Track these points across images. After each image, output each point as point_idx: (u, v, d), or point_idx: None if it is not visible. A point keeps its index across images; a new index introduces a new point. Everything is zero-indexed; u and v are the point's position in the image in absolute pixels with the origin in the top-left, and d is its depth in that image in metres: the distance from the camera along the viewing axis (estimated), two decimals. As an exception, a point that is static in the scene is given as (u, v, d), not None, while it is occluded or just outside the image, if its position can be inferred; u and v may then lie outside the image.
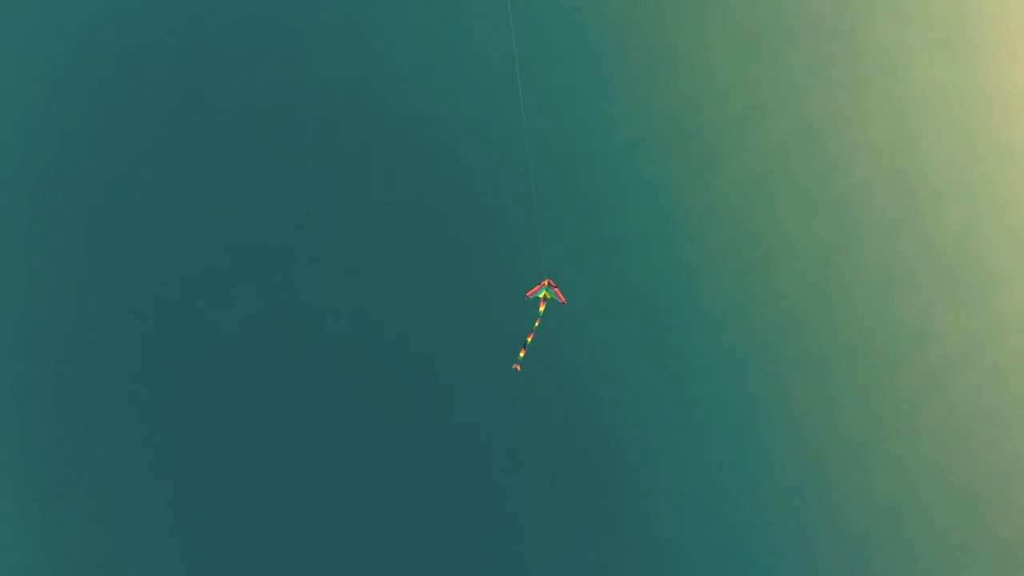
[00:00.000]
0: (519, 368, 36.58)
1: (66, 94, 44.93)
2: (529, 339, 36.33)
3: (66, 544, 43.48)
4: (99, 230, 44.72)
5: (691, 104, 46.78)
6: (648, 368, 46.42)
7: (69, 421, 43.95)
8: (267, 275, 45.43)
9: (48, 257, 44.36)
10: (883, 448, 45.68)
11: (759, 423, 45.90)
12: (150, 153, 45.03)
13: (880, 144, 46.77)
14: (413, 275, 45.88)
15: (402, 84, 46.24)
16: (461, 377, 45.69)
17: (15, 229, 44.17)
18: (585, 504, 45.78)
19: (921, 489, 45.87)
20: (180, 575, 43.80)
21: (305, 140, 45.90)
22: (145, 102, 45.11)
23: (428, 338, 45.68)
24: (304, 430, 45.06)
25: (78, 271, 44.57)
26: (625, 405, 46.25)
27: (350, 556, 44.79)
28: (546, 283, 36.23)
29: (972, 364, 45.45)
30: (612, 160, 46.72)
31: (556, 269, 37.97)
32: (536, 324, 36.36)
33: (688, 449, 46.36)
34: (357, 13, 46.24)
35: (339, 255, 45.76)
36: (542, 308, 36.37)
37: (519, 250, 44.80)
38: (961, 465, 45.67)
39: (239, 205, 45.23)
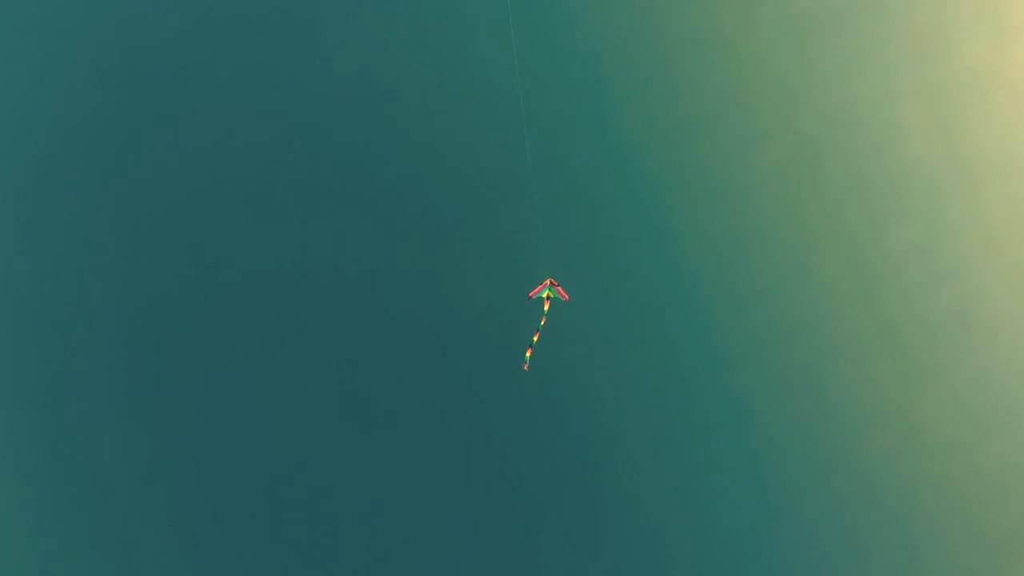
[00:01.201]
0: (527, 367, 37.02)
1: (67, 92, 45.47)
2: (535, 338, 36.89)
3: (66, 544, 43.74)
4: (99, 230, 45.54)
5: (728, 88, 46.58)
6: (640, 367, 46.75)
7: (69, 421, 44.69)
8: (269, 274, 46.16)
9: (47, 257, 45.15)
10: (878, 445, 45.24)
11: (751, 423, 45.88)
12: (150, 150, 45.81)
13: (920, 128, 46.10)
14: (415, 276, 46.45)
15: (402, 84, 46.73)
16: (462, 378, 46.18)
17: (17, 229, 45.04)
18: (585, 502, 45.77)
19: (922, 490, 46.07)
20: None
21: (306, 140, 46.56)
22: (145, 100, 45.82)
23: (430, 338, 46.43)
24: (306, 431, 45.45)
25: (78, 271, 45.39)
26: (633, 402, 46.46)
27: (353, 555, 44.48)
28: (548, 282, 36.99)
29: (970, 362, 45.21)
30: (637, 151, 46.94)
31: (567, 268, 38.70)
32: (542, 323, 36.98)
33: (679, 448, 46.50)
34: (356, 13, 46.64)
35: (340, 255, 46.38)
36: (546, 307, 37.08)
37: (527, 249, 45.13)
38: (959, 463, 45.84)
39: (239, 205, 46.06)
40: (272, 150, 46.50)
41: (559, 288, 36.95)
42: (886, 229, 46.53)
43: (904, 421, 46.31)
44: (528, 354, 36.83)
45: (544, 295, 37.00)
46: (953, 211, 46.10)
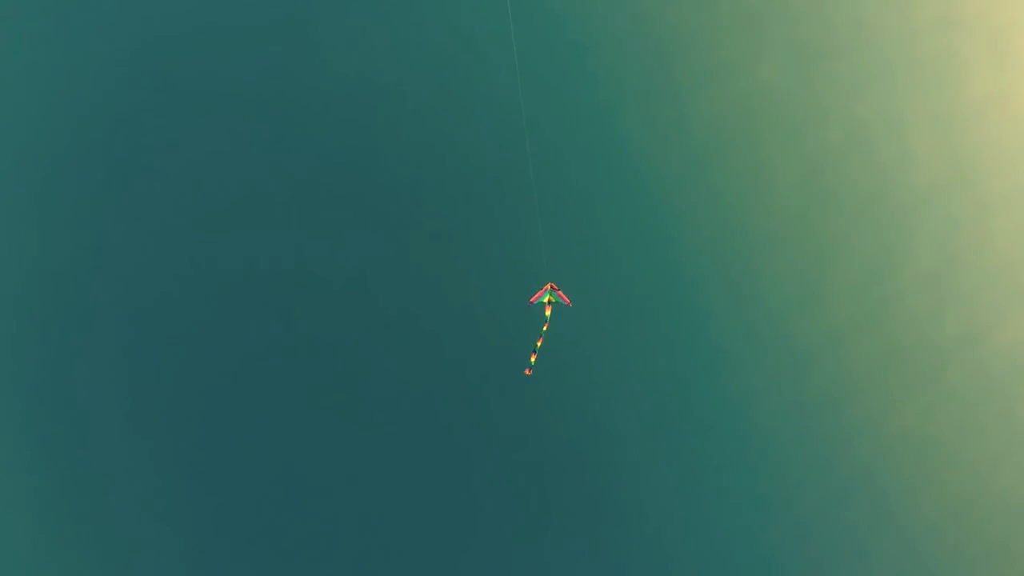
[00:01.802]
0: (530, 372, 37.14)
1: (70, 94, 45.38)
2: (539, 344, 37.01)
3: (66, 544, 43.50)
4: (100, 231, 45.39)
5: (743, 110, 47.14)
6: (638, 367, 47.20)
7: (70, 421, 44.56)
8: (269, 276, 46.18)
9: (50, 258, 44.97)
10: (874, 446, 45.97)
11: (749, 422, 46.46)
12: (150, 151, 45.75)
13: (927, 154, 46.82)
14: (416, 280, 46.61)
15: (402, 86, 46.84)
16: (463, 381, 46.35)
17: (20, 229, 44.85)
18: (585, 501, 46.08)
19: (913, 487, 46.56)
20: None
21: (306, 141, 46.59)
22: (148, 103, 45.78)
23: (431, 341, 46.60)
24: (306, 434, 45.42)
25: (80, 271, 45.21)
26: (632, 403, 46.86)
27: (353, 556, 44.52)
28: (548, 287, 37.19)
29: (971, 360, 46.18)
30: (640, 160, 47.42)
31: (565, 272, 38.87)
32: (544, 328, 37.11)
33: (677, 447, 47.00)
34: (356, 13, 46.67)
35: (340, 257, 46.47)
36: (548, 312, 37.24)
37: (528, 254, 45.35)
38: (956, 462, 46.49)
39: (240, 206, 46.07)
40: (271, 151, 46.43)
41: (560, 293, 37.10)
42: (889, 236, 47.19)
43: (902, 420, 46.95)
44: (532, 359, 36.98)
45: (545, 300, 37.15)
46: (960, 233, 46.82)
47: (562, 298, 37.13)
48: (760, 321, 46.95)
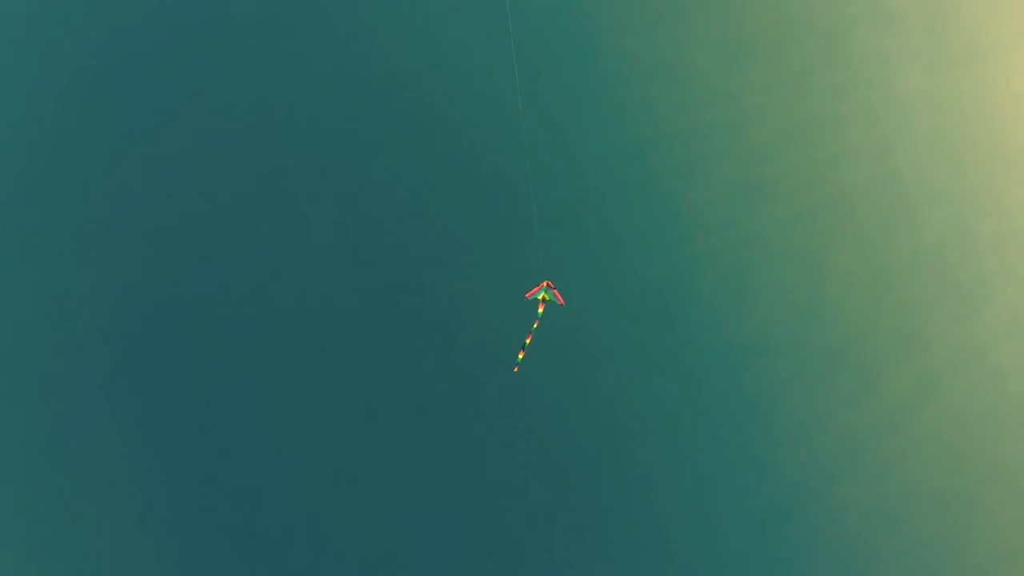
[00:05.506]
0: (517, 370, 36.68)
1: (62, 92, 44.43)
2: (528, 341, 36.41)
3: (64, 544, 43.65)
4: (96, 230, 44.73)
5: (681, 108, 46.77)
6: (644, 369, 47.30)
7: (70, 420, 44.83)
8: (269, 274, 45.68)
9: (44, 255, 44.40)
10: (882, 450, 46.68)
11: (756, 424, 46.91)
12: (147, 150, 44.85)
13: (869, 148, 46.92)
14: (412, 276, 46.32)
15: (401, 85, 46.08)
16: (460, 377, 46.29)
17: (15, 228, 44.06)
18: (585, 504, 46.98)
19: (921, 491, 46.81)
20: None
21: (306, 140, 45.72)
22: (141, 98, 44.77)
23: (429, 338, 46.26)
24: (301, 435, 45.72)
25: (76, 270, 44.62)
26: (623, 405, 47.31)
27: (361, 556, 45.40)
28: (544, 284, 36.38)
29: (966, 367, 46.19)
30: (604, 162, 46.76)
31: (555, 271, 38.10)
32: (535, 326, 36.47)
33: (686, 449, 47.47)
34: (357, 12, 45.92)
35: (339, 255, 45.88)
36: (540, 310, 36.49)
37: (518, 252, 44.94)
38: (959, 467, 46.48)
39: (238, 204, 45.36)
40: (269, 152, 45.55)
41: (555, 291, 36.37)
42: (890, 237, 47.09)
43: (914, 425, 47.12)
44: (520, 356, 36.46)
45: (540, 297, 36.39)
46: (908, 230, 47.03)
47: (556, 297, 36.47)
48: (765, 326, 46.90)
